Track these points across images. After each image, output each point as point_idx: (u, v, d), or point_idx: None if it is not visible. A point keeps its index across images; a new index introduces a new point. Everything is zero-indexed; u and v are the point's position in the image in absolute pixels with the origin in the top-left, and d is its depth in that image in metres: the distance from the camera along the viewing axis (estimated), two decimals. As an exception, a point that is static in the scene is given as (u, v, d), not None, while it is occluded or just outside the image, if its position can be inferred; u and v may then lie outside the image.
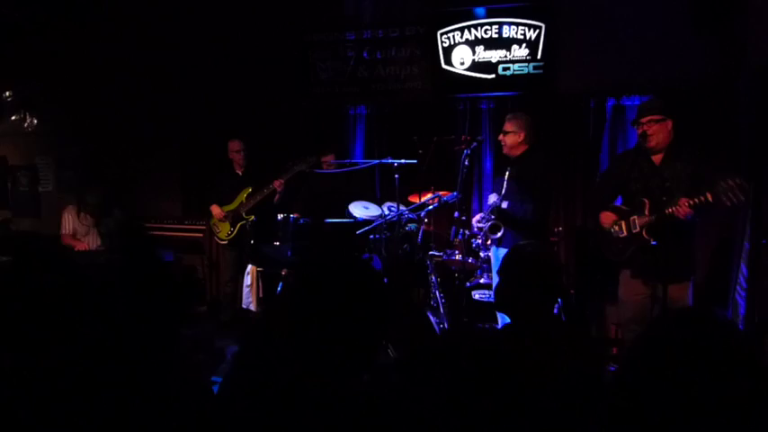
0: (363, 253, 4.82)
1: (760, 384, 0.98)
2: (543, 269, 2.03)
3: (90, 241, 5.41)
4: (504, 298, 2.07)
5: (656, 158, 3.38)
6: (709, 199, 3.03)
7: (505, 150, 4.10)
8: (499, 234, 3.98)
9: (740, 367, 0.99)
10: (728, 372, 0.98)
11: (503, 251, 3.98)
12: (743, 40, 4.63)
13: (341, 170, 4.96)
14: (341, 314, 1.24)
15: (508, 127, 4.08)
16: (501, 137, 4.11)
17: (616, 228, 3.46)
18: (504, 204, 3.99)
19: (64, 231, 5.40)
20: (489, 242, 4.20)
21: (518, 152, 4.05)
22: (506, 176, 4.09)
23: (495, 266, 4.16)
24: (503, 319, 4.05)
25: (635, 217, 3.36)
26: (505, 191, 4.04)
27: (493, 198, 4.07)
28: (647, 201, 3.32)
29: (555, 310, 4.35)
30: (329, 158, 5.31)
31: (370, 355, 1.30)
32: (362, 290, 1.29)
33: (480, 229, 4.15)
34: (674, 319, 1.11)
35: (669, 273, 3.20)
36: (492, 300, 4.35)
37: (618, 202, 3.65)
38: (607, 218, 3.51)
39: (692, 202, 3.09)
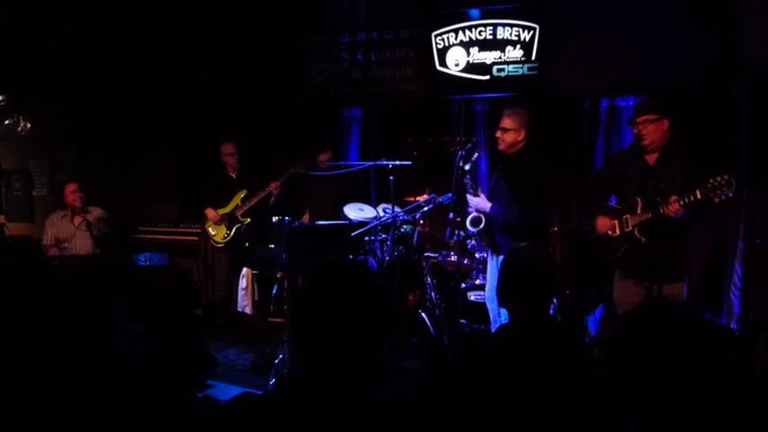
0: (359, 255, 4.81)
1: (734, 379, 0.98)
2: (539, 271, 2.03)
3: (77, 245, 5.24)
4: (504, 294, 2.09)
5: (651, 158, 3.39)
6: (698, 196, 3.04)
7: (502, 147, 3.82)
8: (481, 226, 3.84)
9: (712, 360, 0.99)
10: (700, 362, 0.98)
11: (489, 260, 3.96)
12: (738, 42, 4.64)
13: (335, 172, 4.95)
14: (349, 318, 1.25)
15: (508, 123, 3.77)
16: (499, 134, 3.81)
17: (610, 227, 3.47)
18: (488, 209, 3.84)
19: (45, 242, 5.30)
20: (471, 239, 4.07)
21: (515, 149, 3.82)
22: (497, 175, 3.97)
23: (490, 272, 4.09)
24: (494, 321, 4.03)
25: (627, 216, 3.37)
26: (494, 190, 3.92)
27: (474, 200, 3.90)
28: (639, 200, 3.32)
29: (551, 311, 4.38)
30: (326, 157, 5.31)
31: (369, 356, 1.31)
32: (367, 292, 1.31)
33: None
34: (643, 310, 1.12)
35: (663, 273, 3.20)
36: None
37: (612, 202, 3.65)
38: (603, 225, 3.50)
39: (682, 201, 3.10)
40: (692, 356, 0.99)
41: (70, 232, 5.24)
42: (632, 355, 1.03)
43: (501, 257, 3.91)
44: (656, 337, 1.03)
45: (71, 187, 5.28)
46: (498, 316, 3.98)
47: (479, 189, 3.99)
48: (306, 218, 5.35)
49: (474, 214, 3.91)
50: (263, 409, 1.21)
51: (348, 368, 1.25)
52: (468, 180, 3.93)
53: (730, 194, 2.98)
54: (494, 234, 3.88)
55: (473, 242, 4.73)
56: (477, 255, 4.71)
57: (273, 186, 5.21)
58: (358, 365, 1.26)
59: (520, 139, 3.79)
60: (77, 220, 5.19)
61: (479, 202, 3.86)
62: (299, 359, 1.28)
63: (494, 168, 4.10)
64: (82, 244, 5.22)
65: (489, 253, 4.07)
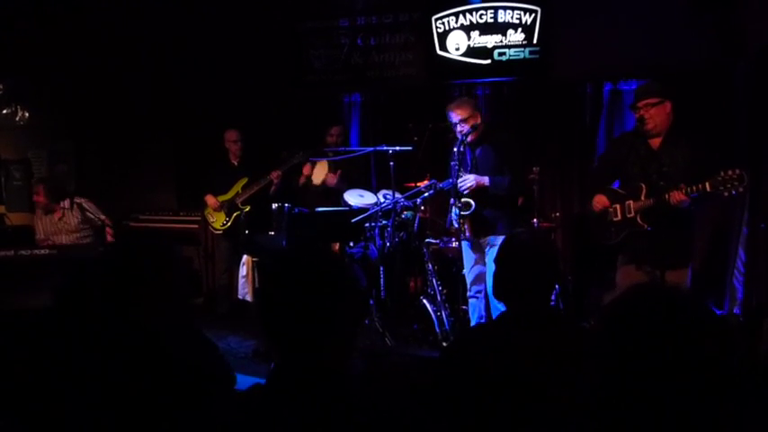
0: (359, 241, 4.79)
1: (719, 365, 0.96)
2: (539, 259, 1.98)
3: (62, 240, 5.17)
4: (500, 286, 2.04)
5: (655, 142, 3.34)
6: (708, 189, 3.00)
7: (470, 138, 3.87)
8: (470, 211, 3.82)
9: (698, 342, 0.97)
10: (687, 345, 0.97)
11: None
12: (742, 25, 4.57)
13: (336, 158, 4.92)
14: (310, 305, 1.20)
15: (462, 113, 3.85)
16: (459, 128, 3.84)
17: (611, 210, 3.43)
18: (486, 181, 3.83)
19: (38, 236, 5.28)
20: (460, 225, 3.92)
21: (479, 132, 3.89)
22: (474, 156, 3.94)
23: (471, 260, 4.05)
24: (479, 318, 4.00)
25: (630, 201, 3.33)
26: (476, 167, 3.89)
27: (470, 178, 3.83)
28: (643, 186, 3.28)
29: (552, 298, 4.35)
30: (337, 130, 5.34)
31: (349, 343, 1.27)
32: (330, 273, 1.25)
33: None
34: (632, 295, 1.09)
35: (665, 259, 3.17)
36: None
37: (616, 186, 3.61)
38: (599, 202, 3.47)
39: (688, 190, 3.06)
40: (677, 341, 0.97)
41: (53, 228, 5.26)
42: (617, 340, 1.01)
43: (490, 239, 3.85)
44: (639, 322, 1.01)
45: (36, 189, 5.30)
46: (480, 317, 3.96)
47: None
48: (275, 176, 5.23)
49: (464, 199, 3.83)
50: (249, 410, 1.18)
51: (327, 356, 1.19)
52: (454, 163, 3.83)
53: (741, 189, 2.94)
54: (484, 217, 3.86)
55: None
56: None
57: (275, 175, 5.20)
58: (337, 353, 1.21)
59: (478, 122, 3.88)
60: (57, 214, 5.20)
61: (476, 179, 3.80)
62: (275, 353, 1.21)
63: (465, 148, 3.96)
64: (66, 239, 5.22)
65: (468, 245, 4.01)
